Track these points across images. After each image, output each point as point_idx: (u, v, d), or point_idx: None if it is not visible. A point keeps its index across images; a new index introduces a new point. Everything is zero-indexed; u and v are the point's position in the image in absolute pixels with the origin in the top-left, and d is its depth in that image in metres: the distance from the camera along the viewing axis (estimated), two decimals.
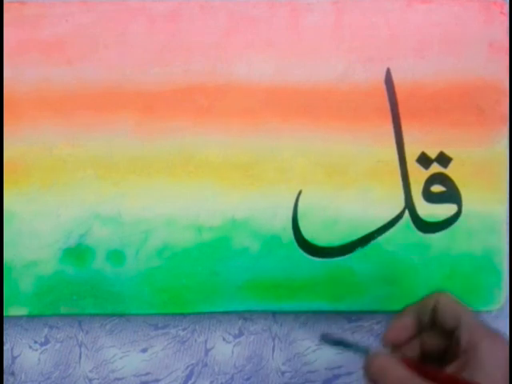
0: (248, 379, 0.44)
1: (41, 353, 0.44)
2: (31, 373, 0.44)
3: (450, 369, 0.31)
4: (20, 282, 0.41)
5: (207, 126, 0.42)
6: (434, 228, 0.42)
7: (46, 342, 0.44)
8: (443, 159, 0.42)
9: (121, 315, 0.43)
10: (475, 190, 0.42)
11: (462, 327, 0.32)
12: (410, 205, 0.42)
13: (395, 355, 0.33)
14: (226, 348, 0.44)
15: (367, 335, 0.44)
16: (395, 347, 0.34)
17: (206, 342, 0.44)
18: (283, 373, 0.44)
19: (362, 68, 0.42)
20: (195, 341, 0.44)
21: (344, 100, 0.42)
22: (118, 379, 0.44)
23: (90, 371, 0.44)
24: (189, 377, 0.44)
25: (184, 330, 0.44)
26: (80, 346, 0.44)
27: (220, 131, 0.41)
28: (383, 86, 0.42)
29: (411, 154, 0.42)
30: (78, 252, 0.41)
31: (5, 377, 0.43)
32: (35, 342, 0.44)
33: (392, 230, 0.42)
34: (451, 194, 0.42)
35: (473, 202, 0.42)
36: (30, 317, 0.43)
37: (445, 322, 0.33)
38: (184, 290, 0.41)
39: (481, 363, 0.30)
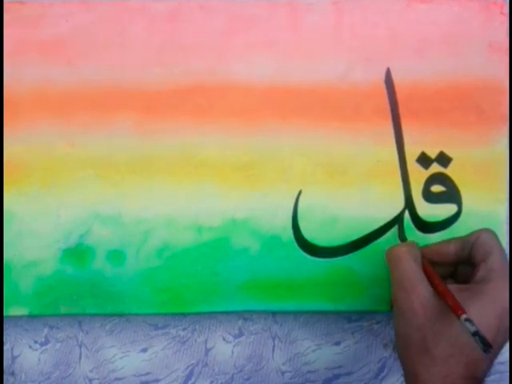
0: (248, 379, 0.44)
1: (41, 353, 0.44)
2: (31, 373, 0.44)
3: (454, 287, 0.34)
4: (20, 282, 0.41)
5: (207, 126, 0.42)
6: (433, 228, 0.42)
7: (46, 341, 0.44)
8: (443, 159, 0.42)
9: (121, 315, 0.43)
10: (475, 190, 0.42)
11: (486, 264, 0.34)
12: (410, 205, 0.42)
13: (415, 253, 0.36)
14: (225, 348, 0.44)
15: (367, 335, 0.44)
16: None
17: (205, 341, 0.44)
18: (283, 373, 0.44)
19: (362, 68, 0.42)
20: (195, 341, 0.44)
21: (344, 100, 0.42)
22: (118, 379, 0.44)
23: (90, 371, 0.44)
24: (189, 377, 0.44)
25: (184, 329, 0.44)
26: (80, 346, 0.44)
27: (220, 131, 0.41)
28: (383, 86, 0.42)
29: (411, 154, 0.42)
30: (78, 252, 0.41)
31: (5, 377, 0.43)
32: (35, 342, 0.44)
33: (392, 230, 0.42)
34: (451, 194, 0.42)
35: (473, 202, 0.42)
36: (30, 317, 0.43)
37: (475, 256, 0.35)
38: (184, 290, 0.41)
39: (481, 296, 0.33)
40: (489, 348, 0.29)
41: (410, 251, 0.36)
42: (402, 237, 0.41)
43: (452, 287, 0.34)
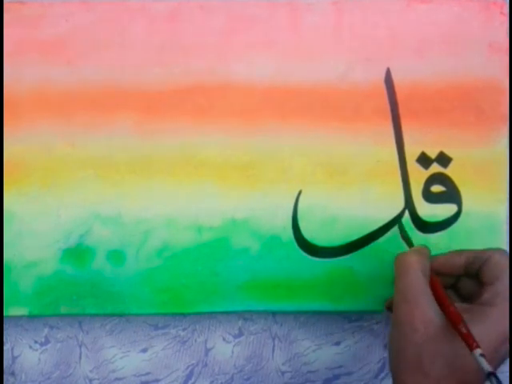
0: (248, 379, 0.44)
1: (41, 353, 0.44)
2: (31, 373, 0.44)
3: (457, 306, 0.33)
4: (20, 282, 0.41)
5: (207, 126, 0.42)
6: (433, 228, 0.42)
7: (46, 341, 0.44)
8: (443, 159, 0.42)
9: (121, 315, 0.43)
10: (475, 190, 0.42)
11: (493, 287, 0.34)
12: (410, 205, 0.42)
13: (425, 264, 0.35)
14: (226, 348, 0.44)
15: (367, 335, 0.44)
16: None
17: (205, 341, 0.44)
18: (283, 373, 0.44)
19: (362, 68, 0.42)
20: (195, 341, 0.44)
21: (344, 100, 0.42)
22: (118, 379, 0.44)
23: (90, 371, 0.44)
24: (189, 377, 0.44)
25: (184, 330, 0.44)
26: (80, 346, 0.44)
27: (220, 131, 0.41)
28: (383, 86, 0.42)
29: (411, 154, 0.42)
30: (78, 252, 0.41)
31: (5, 377, 0.43)
32: (35, 342, 0.44)
33: (392, 230, 0.42)
34: (451, 194, 0.42)
35: (473, 202, 0.42)
36: (30, 317, 0.43)
37: (484, 276, 0.34)
38: (184, 290, 0.41)
39: (483, 319, 0.32)
40: None
41: (420, 261, 0.34)
42: (405, 236, 0.40)
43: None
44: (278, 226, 0.41)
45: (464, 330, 0.31)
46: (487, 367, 0.29)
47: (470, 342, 0.30)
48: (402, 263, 0.35)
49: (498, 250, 0.35)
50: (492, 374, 0.29)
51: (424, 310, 0.33)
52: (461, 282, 0.37)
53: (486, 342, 0.31)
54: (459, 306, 0.33)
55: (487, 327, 0.32)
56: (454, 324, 0.32)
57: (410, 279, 0.34)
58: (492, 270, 0.34)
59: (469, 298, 0.35)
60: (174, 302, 0.41)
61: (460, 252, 0.36)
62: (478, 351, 0.30)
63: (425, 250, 0.36)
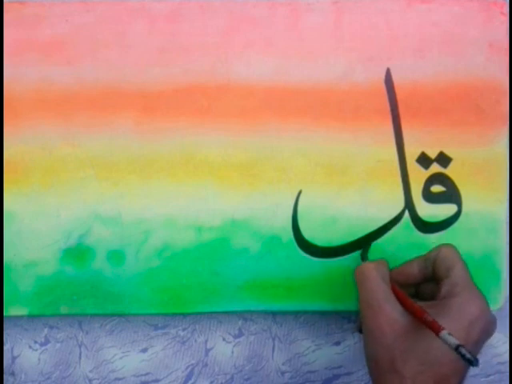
0: (248, 379, 0.44)
1: (41, 353, 0.44)
2: (31, 373, 0.44)
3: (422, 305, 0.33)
4: (20, 282, 0.41)
5: (207, 126, 0.42)
6: (433, 228, 0.42)
7: (46, 341, 0.44)
8: (443, 159, 0.42)
9: (121, 315, 0.43)
10: (475, 190, 0.42)
11: (449, 279, 0.34)
12: (410, 205, 0.42)
13: (384, 271, 0.36)
14: (226, 348, 0.44)
15: None
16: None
17: (206, 342, 0.44)
18: (283, 373, 0.44)
19: (362, 68, 0.42)
20: (195, 341, 0.44)
21: (344, 100, 0.42)
22: (118, 379, 0.44)
23: (90, 371, 0.44)
24: (189, 377, 0.44)
25: (184, 330, 0.44)
26: (80, 346, 0.44)
27: (220, 131, 0.41)
28: (383, 86, 0.42)
29: (411, 154, 0.42)
30: (77, 252, 0.41)
31: (5, 377, 0.43)
32: (35, 342, 0.44)
33: (392, 230, 0.42)
34: (451, 194, 0.42)
35: (473, 202, 0.42)
36: (30, 317, 0.43)
37: (438, 272, 0.35)
38: (184, 290, 0.41)
39: (447, 311, 0.33)
40: (475, 360, 0.29)
41: (377, 268, 0.35)
42: (365, 257, 0.41)
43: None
44: (278, 226, 0.41)
45: (429, 319, 0.31)
46: (454, 341, 0.30)
47: (435, 327, 0.31)
48: (360, 272, 0.36)
49: (444, 244, 0.36)
50: (460, 346, 0.29)
51: (388, 312, 0.33)
52: (420, 290, 0.37)
53: (456, 330, 0.32)
54: (423, 304, 0.34)
55: (453, 317, 0.32)
56: (419, 317, 0.32)
57: (371, 286, 0.35)
58: (443, 264, 0.35)
59: (432, 300, 0.36)
60: (174, 301, 0.41)
61: (411, 260, 0.37)
62: (444, 331, 0.30)
63: (382, 260, 0.37)
